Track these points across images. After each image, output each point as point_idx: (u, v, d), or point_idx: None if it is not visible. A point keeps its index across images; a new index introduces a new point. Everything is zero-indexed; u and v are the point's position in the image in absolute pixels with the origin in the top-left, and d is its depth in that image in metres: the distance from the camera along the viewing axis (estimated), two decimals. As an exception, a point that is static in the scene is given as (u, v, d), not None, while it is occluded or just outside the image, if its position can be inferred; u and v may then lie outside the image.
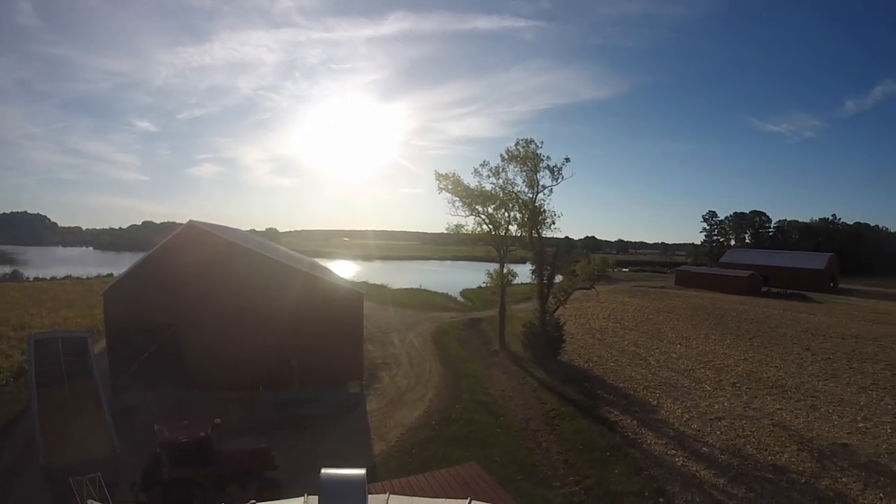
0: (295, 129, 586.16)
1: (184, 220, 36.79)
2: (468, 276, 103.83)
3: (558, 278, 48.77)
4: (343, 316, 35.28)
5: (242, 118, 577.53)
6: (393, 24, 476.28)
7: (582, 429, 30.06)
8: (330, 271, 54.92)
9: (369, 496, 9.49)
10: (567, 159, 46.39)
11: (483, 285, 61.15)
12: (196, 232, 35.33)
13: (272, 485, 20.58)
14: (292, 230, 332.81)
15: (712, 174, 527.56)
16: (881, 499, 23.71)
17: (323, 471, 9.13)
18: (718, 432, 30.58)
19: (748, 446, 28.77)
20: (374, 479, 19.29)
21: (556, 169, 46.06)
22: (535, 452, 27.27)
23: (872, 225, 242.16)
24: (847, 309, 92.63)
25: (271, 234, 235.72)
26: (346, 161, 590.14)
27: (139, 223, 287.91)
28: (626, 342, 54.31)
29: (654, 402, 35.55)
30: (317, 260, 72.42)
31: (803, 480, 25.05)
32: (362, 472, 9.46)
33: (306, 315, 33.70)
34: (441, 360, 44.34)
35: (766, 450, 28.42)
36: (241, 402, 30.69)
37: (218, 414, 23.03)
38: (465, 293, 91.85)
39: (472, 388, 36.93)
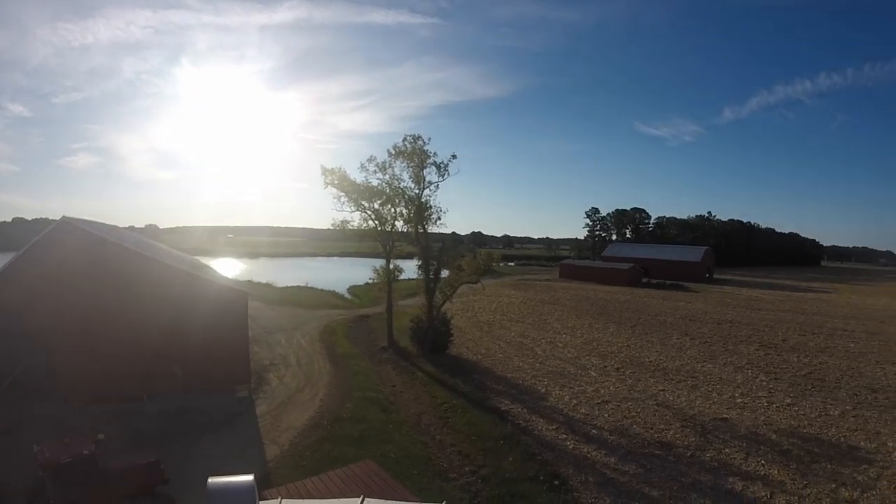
0: (179, 117, 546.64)
1: (57, 217, 32.48)
2: (356, 272, 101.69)
3: (445, 273, 48.51)
4: (227, 317, 32.98)
5: (123, 104, 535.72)
6: (287, 12, 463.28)
7: (474, 420, 29.55)
8: (213, 270, 52.01)
9: (261, 502, 9.38)
10: (454, 156, 46.33)
11: (370, 281, 59.83)
12: (69, 230, 31.02)
13: (165, 501, 19.14)
14: (174, 227, 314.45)
15: (597, 173, 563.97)
16: (762, 465, 24.98)
17: (210, 479, 8.89)
18: (606, 415, 31.10)
19: (635, 426, 29.45)
20: (269, 485, 18.49)
21: (442, 165, 45.88)
22: (429, 446, 26.48)
23: (745, 221, 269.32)
24: (722, 297, 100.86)
25: (151, 231, 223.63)
26: (232, 154, 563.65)
27: (9, 219, 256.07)
28: (513, 334, 54.73)
29: (543, 390, 35.69)
30: (199, 258, 68.38)
31: (689, 454, 25.91)
32: (250, 477, 9.17)
33: (188, 318, 31.04)
34: (330, 358, 42.71)
35: (652, 428, 29.17)
36: (124, 415, 27.59)
37: (101, 429, 21.03)
38: (353, 290, 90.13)
39: (363, 385, 35.83)
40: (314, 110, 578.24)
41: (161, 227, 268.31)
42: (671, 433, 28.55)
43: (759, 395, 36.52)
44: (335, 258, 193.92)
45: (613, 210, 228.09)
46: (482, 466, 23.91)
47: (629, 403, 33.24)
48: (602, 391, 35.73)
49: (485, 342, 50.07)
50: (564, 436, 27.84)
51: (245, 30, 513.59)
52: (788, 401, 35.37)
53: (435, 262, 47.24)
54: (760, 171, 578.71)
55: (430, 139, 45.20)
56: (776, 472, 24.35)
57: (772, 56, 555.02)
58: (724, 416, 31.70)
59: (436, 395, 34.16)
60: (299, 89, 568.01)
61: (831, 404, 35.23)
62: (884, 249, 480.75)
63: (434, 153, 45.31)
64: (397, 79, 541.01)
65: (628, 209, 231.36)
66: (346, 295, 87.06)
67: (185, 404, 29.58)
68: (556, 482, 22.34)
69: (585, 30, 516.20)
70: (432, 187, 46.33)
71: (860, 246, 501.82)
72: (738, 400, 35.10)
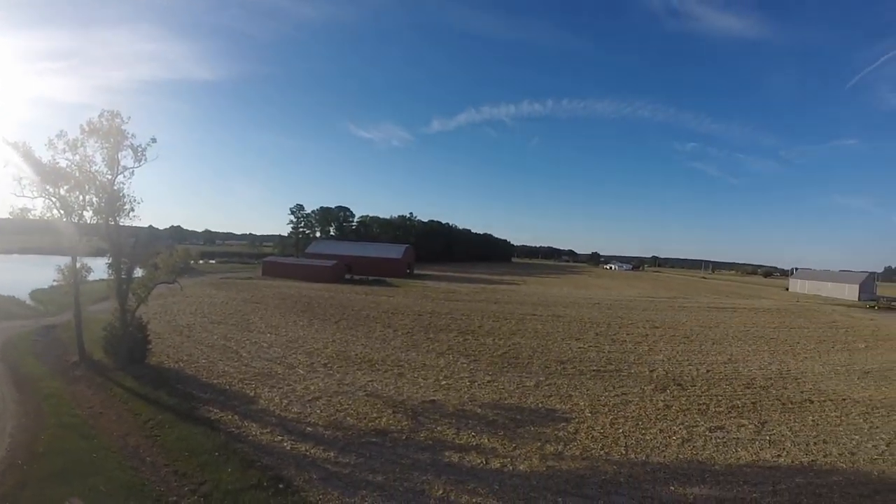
0: None
1: None
2: (39, 273, 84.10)
3: (139, 272, 43.20)
4: None
5: None
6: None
7: (185, 434, 26.72)
8: None
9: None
10: (153, 139, 41.46)
11: (55, 284, 50.25)
12: None
13: None
14: None
15: (305, 170, 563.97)
16: (474, 436, 27.84)
17: None
18: (319, 411, 31.02)
19: (349, 418, 29.95)
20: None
21: (140, 149, 40.51)
22: (141, 470, 23.05)
23: (444, 223, 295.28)
24: (422, 291, 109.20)
25: None
26: None
27: None
28: (215, 336, 51.24)
29: (252, 394, 34.06)
30: None
31: (404, 437, 27.39)
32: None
33: None
34: (14, 381, 34.66)
35: (365, 418, 30.03)
36: None
37: None
38: (37, 295, 74.62)
39: (57, 410, 29.89)
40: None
41: None
42: (384, 420, 29.82)
43: (462, 376, 40.41)
44: (15, 255, 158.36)
45: (319, 208, 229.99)
46: (202, 483, 21.82)
47: (340, 397, 33.68)
48: (312, 388, 35.54)
49: (186, 348, 45.84)
50: (280, 437, 26.90)
51: None
52: (488, 378, 39.94)
53: (128, 260, 41.61)
54: (460, 179, 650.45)
55: (129, 118, 39.69)
56: (486, 440, 27.32)
57: (484, 80, 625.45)
58: (432, 398, 34.26)
59: (139, 412, 30.21)
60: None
61: (527, 377, 41.01)
62: (566, 248, 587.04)
63: (132, 135, 39.91)
64: (106, 43, 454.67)
65: (333, 207, 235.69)
66: (30, 301, 72.03)
67: None
68: (281, 485, 21.47)
69: (315, 25, 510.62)
70: (127, 173, 40.81)
71: (546, 245, 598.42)
72: (443, 382, 38.28)
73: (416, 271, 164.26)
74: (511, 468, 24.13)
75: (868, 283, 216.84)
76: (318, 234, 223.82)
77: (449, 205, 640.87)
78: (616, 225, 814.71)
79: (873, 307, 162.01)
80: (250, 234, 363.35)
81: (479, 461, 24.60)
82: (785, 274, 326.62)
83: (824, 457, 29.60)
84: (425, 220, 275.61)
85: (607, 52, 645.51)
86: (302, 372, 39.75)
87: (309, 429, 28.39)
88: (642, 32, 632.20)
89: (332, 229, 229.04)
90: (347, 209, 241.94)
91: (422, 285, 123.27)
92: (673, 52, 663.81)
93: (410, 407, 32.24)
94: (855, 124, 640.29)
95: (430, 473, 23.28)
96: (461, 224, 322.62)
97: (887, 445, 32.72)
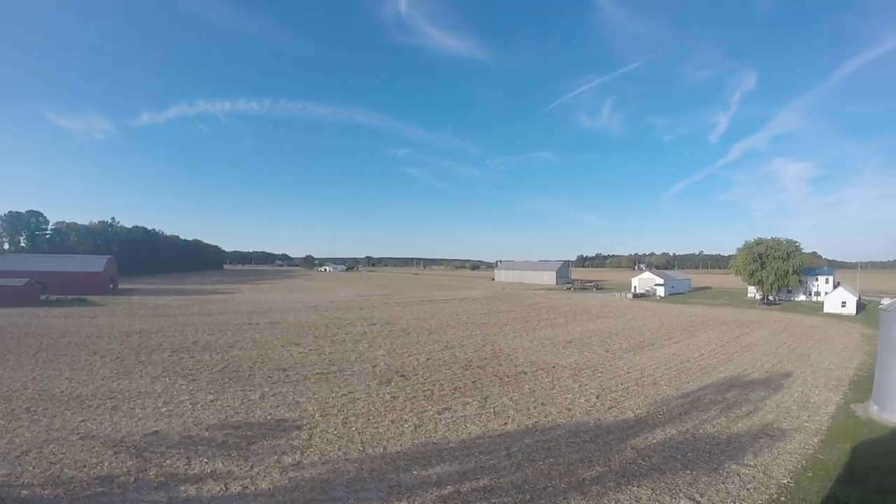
0: None
1: None
2: None
3: None
4: None
5: None
6: None
7: None
8: None
9: None
10: None
11: None
12: None
13: None
14: None
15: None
16: (207, 463, 27.11)
17: None
18: (31, 468, 26.69)
19: (67, 469, 26.46)
20: None
21: None
22: None
23: (150, 228, 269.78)
24: (129, 308, 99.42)
25: None
26: None
27: None
28: None
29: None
30: None
31: (132, 479, 25.36)
32: None
33: None
34: None
35: (85, 465, 26.91)
36: None
37: None
38: None
39: None
40: None
41: None
42: (107, 464, 27.19)
43: (182, 399, 38.71)
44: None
45: (6, 213, 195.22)
46: None
47: (52, 446, 29.65)
48: (18, 440, 30.44)
49: None
50: (-10, 507, 23.03)
51: None
52: (211, 397, 38.99)
53: None
54: (168, 179, 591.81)
55: None
56: (221, 464, 26.98)
57: (200, 71, 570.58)
58: (154, 429, 32.32)
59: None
60: None
61: (251, 390, 40.76)
62: (280, 252, 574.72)
63: None
64: None
65: (24, 212, 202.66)
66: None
67: None
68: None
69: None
70: None
71: (259, 250, 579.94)
72: (163, 409, 36.23)
73: (120, 286, 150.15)
74: (253, 488, 24.38)
75: (564, 269, 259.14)
76: (6, 247, 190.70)
77: (156, 208, 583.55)
78: (331, 227, 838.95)
79: (569, 289, 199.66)
80: None
81: (218, 489, 24.30)
82: (491, 266, 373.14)
83: (545, 417, 35.74)
84: (129, 226, 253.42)
85: (331, 56, 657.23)
86: (2, 422, 33.87)
87: (25, 492, 24.41)
88: (369, 41, 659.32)
89: (22, 240, 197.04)
90: (40, 214, 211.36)
91: (128, 301, 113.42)
92: (395, 63, 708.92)
93: (132, 443, 29.93)
94: (552, 140, 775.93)
95: (168, 511, 22.34)
96: (168, 230, 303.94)
97: (597, 398, 40.83)
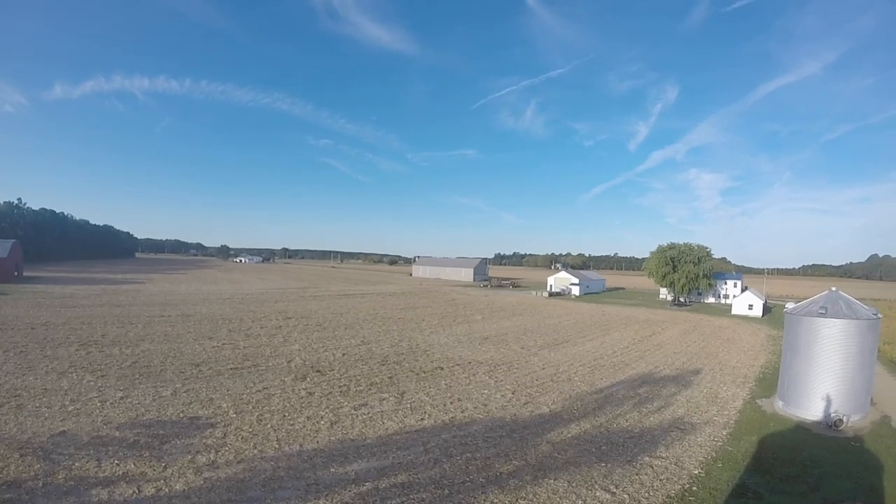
0: None
1: None
2: None
3: None
4: None
5: None
6: None
7: None
8: None
9: None
10: None
11: None
12: None
13: None
14: None
15: None
16: (118, 465, 26.81)
17: None
18: None
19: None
20: None
21: None
22: None
23: (58, 212, 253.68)
24: (35, 297, 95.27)
25: None
26: None
27: None
28: None
29: None
30: None
31: (41, 483, 24.87)
32: None
33: None
34: None
35: (-15, 473, 26.37)
36: None
37: None
38: None
39: None
40: None
41: None
42: (13, 468, 26.49)
43: (91, 396, 38.14)
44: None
45: None
46: None
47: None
48: None
49: None
50: None
51: None
52: (121, 394, 38.66)
53: None
54: (78, 161, 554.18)
55: None
56: (133, 466, 26.99)
57: (120, 43, 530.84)
58: (62, 429, 31.80)
59: None
60: None
61: (162, 386, 40.59)
62: (194, 242, 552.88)
63: None
64: None
65: None
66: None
67: None
68: None
69: None
70: None
71: (173, 238, 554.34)
72: (71, 408, 35.59)
73: (25, 273, 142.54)
74: (167, 490, 24.58)
75: (481, 266, 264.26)
76: None
77: (65, 190, 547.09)
78: (247, 217, 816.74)
79: (486, 286, 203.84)
80: None
81: (131, 491, 24.36)
82: (409, 262, 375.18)
83: (462, 412, 37.46)
84: (36, 208, 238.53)
85: (255, 38, 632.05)
86: None
87: (-79, 503, 23.90)
88: (296, 26, 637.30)
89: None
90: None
91: (34, 290, 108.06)
92: (321, 51, 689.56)
93: (39, 445, 29.37)
94: (476, 138, 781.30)
95: (83, 518, 22.33)
96: (78, 214, 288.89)
97: (513, 393, 42.94)
